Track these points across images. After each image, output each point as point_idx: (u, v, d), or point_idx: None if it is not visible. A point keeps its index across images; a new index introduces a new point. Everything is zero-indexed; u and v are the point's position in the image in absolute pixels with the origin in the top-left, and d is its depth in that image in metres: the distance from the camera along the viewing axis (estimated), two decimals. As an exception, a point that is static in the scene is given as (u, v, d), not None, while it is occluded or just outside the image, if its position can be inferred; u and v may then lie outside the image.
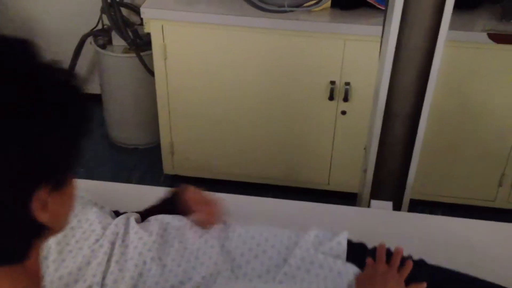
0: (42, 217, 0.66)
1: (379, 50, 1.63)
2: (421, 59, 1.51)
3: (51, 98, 0.65)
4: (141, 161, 2.80)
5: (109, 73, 2.69)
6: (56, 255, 1.12)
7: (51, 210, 0.67)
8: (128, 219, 1.23)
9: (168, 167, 2.54)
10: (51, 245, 1.13)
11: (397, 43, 1.49)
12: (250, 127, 2.37)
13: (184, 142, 2.46)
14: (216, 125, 2.39)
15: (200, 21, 2.14)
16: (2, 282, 0.68)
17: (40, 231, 0.69)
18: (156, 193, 1.50)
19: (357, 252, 1.22)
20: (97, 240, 1.16)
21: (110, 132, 2.90)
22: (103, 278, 1.10)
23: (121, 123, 2.84)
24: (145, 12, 2.15)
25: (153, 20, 2.17)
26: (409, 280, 1.14)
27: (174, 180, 2.55)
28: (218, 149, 2.46)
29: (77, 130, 0.69)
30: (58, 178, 0.68)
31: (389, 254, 1.23)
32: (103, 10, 2.54)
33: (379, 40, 1.62)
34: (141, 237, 1.17)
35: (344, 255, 1.20)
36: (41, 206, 0.65)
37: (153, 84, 2.37)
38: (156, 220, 1.23)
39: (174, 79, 2.30)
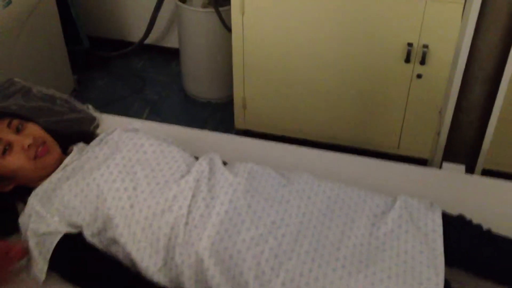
0: None
1: (461, 12, 1.59)
2: (505, 20, 1.46)
3: None
4: (213, 115, 2.87)
5: (187, 27, 2.75)
6: (145, 186, 1.20)
7: None
8: (212, 159, 1.30)
9: (240, 122, 2.59)
10: (139, 177, 1.21)
11: (482, 4, 1.45)
12: (323, 86, 2.38)
13: (257, 97, 2.50)
14: (289, 83, 2.41)
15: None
16: None
17: None
18: (229, 141, 1.56)
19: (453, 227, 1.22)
20: (183, 176, 1.24)
21: (185, 85, 2.99)
22: (189, 212, 1.17)
23: (197, 77, 2.92)
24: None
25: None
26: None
27: (244, 135, 2.62)
28: (289, 107, 2.48)
29: None
30: None
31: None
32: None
33: (462, 1, 1.57)
34: (227, 178, 1.24)
35: (440, 232, 1.18)
36: None
37: (229, 39, 2.41)
38: (241, 164, 1.29)
39: (250, 35, 2.32)
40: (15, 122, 1.29)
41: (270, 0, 2.21)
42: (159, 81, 3.16)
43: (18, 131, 1.28)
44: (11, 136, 1.26)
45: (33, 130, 1.30)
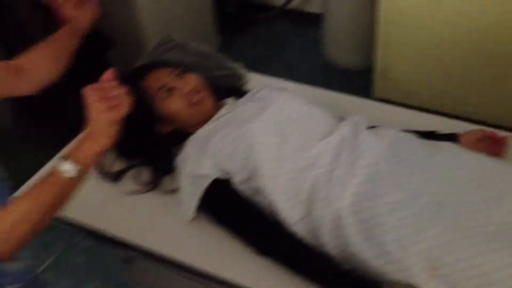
0: None
1: None
2: None
3: None
4: (351, 83, 2.86)
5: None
6: (292, 142, 1.26)
7: None
8: (357, 122, 1.32)
9: (379, 91, 2.56)
10: (287, 133, 1.27)
11: None
12: (469, 60, 2.26)
13: (398, 67, 2.45)
14: (433, 54, 2.33)
15: None
16: None
17: None
18: (371, 107, 1.56)
19: None
20: (327, 136, 1.28)
21: (325, 51, 3.00)
22: (332, 170, 1.21)
23: (338, 43, 2.91)
24: None
25: None
26: None
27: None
28: (431, 78, 2.40)
29: None
30: None
31: None
32: None
33: None
34: (372, 141, 1.25)
35: None
36: None
37: (373, 6, 2.37)
38: (387, 129, 1.30)
39: (397, 3, 2.27)
40: (178, 70, 1.41)
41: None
42: (299, 45, 3.19)
43: (179, 78, 1.40)
44: (174, 82, 1.38)
45: (193, 79, 1.41)
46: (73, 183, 0.97)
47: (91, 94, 0.97)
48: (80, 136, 0.85)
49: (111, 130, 0.99)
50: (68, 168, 0.95)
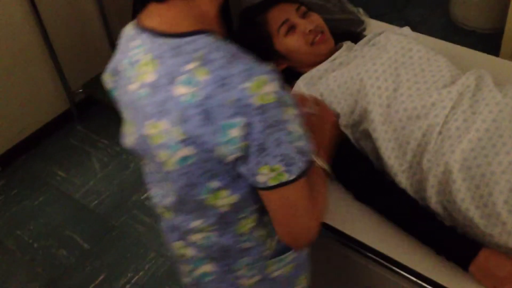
0: None
1: None
2: None
3: None
4: (475, 45, 2.68)
5: None
6: (405, 89, 1.21)
7: None
8: (481, 76, 1.24)
9: (507, 56, 2.39)
10: (402, 80, 1.23)
11: None
12: None
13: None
14: None
15: None
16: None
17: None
18: (500, 64, 1.45)
19: None
20: (445, 86, 1.22)
21: (451, 10, 2.83)
22: (446, 122, 1.16)
23: (466, 2, 2.73)
24: None
25: None
26: None
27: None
28: None
29: None
30: None
31: None
32: None
33: None
34: (495, 97, 1.17)
35: None
36: None
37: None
38: None
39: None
40: (303, 8, 1.39)
41: None
42: (424, 2, 3.04)
43: (303, 16, 1.38)
44: (297, 19, 1.37)
45: (316, 18, 1.39)
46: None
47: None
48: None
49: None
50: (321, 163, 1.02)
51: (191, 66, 0.81)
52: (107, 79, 0.98)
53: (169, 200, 0.98)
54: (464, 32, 2.77)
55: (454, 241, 1.11)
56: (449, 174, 1.11)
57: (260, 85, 0.79)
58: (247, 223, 0.97)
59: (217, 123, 0.80)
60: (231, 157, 0.83)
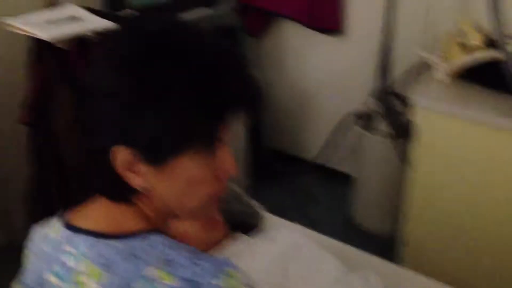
0: (132, 180, 0.73)
1: None
2: None
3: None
4: (371, 246, 2.75)
5: (368, 155, 2.75)
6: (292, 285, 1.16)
7: (148, 181, 0.74)
8: (368, 279, 1.21)
9: (400, 259, 2.45)
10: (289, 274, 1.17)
11: None
12: (499, 254, 2.17)
13: (422, 238, 2.37)
14: (461, 232, 2.25)
15: (471, 119, 2.07)
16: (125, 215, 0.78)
17: (131, 191, 0.75)
18: (391, 270, 1.45)
19: None
20: (331, 285, 1.17)
21: (351, 212, 2.95)
22: None
23: (365, 206, 2.87)
24: (414, 100, 2.16)
25: (420, 109, 2.17)
26: None
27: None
28: (454, 252, 2.30)
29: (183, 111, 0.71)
30: (155, 154, 0.72)
31: None
32: (375, 96, 2.65)
33: None
34: None
35: None
36: (128, 168, 0.72)
37: (400, 173, 2.36)
38: None
39: (426, 172, 2.25)
40: None
41: (455, 146, 2.15)
42: (326, 202, 3.16)
43: None
44: None
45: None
46: None
47: None
48: None
49: None
50: None
51: (149, 270, 0.71)
52: None
53: None
54: (364, 233, 2.86)
55: None
56: None
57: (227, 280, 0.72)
58: None
59: None
60: None
